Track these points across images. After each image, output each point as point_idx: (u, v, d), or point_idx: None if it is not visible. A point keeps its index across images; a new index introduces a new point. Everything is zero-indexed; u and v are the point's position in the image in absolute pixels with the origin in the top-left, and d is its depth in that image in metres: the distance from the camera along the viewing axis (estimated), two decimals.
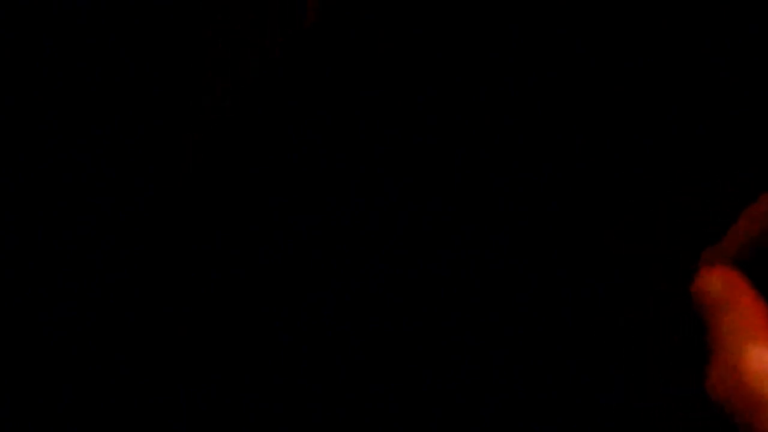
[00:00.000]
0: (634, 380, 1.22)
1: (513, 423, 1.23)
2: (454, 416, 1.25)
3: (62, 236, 1.40)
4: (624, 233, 1.26)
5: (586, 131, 1.28)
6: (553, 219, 1.27)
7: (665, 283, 1.23)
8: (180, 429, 1.27)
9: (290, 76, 1.35)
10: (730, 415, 0.53)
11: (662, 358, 1.22)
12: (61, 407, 1.32)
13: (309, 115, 1.35)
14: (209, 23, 1.44)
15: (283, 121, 1.35)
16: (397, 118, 1.33)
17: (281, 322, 1.31)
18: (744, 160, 1.23)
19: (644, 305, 1.24)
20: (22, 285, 1.39)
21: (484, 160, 1.29)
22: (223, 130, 1.39)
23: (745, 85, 1.25)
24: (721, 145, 1.24)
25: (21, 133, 1.43)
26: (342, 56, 1.31)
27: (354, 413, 1.26)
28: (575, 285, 1.26)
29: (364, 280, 1.30)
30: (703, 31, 1.25)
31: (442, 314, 1.28)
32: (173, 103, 1.44)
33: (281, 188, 1.35)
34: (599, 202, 1.26)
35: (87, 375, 1.33)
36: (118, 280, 1.38)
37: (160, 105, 1.44)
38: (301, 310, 1.32)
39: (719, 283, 0.59)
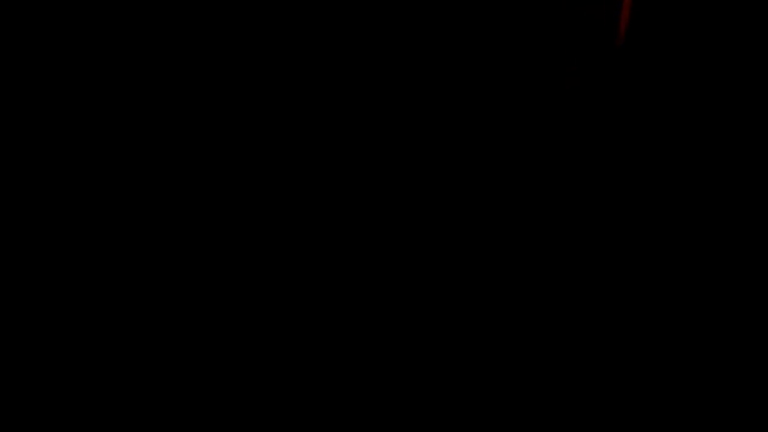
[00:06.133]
0: (634, 380, 1.22)
1: (513, 423, 1.23)
2: (454, 416, 1.25)
3: (62, 236, 1.40)
4: (624, 233, 1.26)
5: (586, 131, 1.28)
6: (553, 219, 1.27)
7: (665, 282, 1.23)
8: (180, 429, 1.27)
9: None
10: None
11: (662, 358, 1.22)
12: (61, 407, 1.32)
13: (310, 114, 1.35)
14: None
15: (283, 121, 1.35)
16: (396, 118, 1.33)
17: (281, 322, 1.31)
18: (744, 160, 1.23)
19: (644, 305, 1.24)
20: (22, 285, 1.39)
21: (483, 160, 1.29)
22: (223, 130, 1.38)
23: (745, 86, 1.25)
24: (721, 145, 1.24)
25: (21, 133, 1.43)
26: (655, 75, 1.29)
27: (354, 413, 1.26)
28: (575, 285, 1.26)
29: (364, 280, 1.30)
30: (703, 33, 1.25)
31: (442, 314, 1.28)
32: (173, 103, 1.44)
33: (281, 188, 1.35)
34: (599, 202, 1.26)
35: (87, 375, 1.33)
36: (118, 280, 1.38)
37: (164, 105, 1.44)
38: (301, 310, 1.31)
39: None
